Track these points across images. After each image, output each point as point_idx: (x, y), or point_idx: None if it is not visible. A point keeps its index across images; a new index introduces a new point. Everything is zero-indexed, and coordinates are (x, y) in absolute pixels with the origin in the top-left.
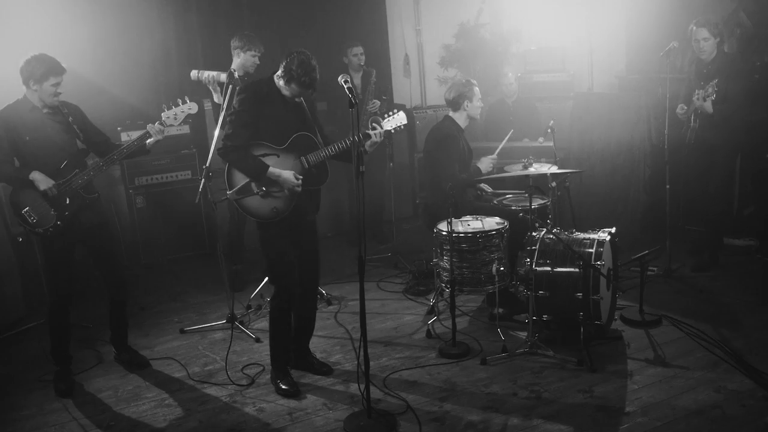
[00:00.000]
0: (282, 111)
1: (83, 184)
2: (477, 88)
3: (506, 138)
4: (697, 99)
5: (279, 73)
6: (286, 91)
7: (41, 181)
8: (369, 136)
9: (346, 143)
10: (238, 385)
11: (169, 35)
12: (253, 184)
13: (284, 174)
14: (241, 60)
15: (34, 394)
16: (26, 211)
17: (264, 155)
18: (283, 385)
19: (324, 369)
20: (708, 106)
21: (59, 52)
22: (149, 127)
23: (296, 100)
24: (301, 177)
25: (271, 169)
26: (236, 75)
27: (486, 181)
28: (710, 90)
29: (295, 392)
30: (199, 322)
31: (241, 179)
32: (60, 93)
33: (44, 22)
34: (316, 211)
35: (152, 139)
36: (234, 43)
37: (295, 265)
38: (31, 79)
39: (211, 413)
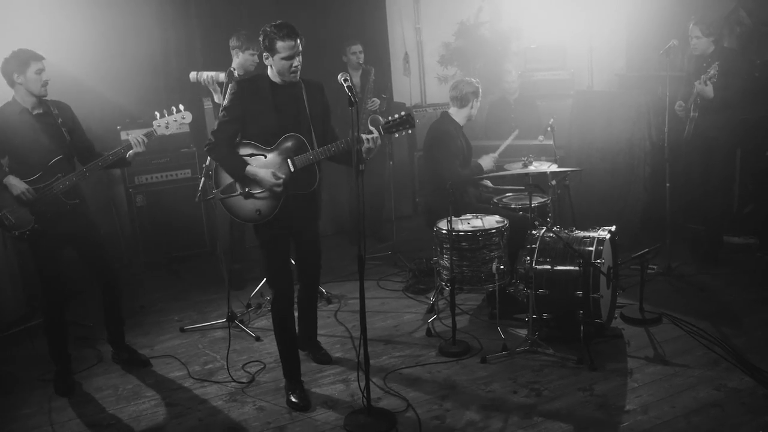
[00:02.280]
0: (273, 109)
1: (64, 189)
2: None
3: (511, 137)
4: (699, 83)
5: (264, 55)
6: (276, 77)
7: (15, 186)
8: (362, 141)
9: (338, 146)
10: (239, 382)
11: (168, 35)
12: (237, 184)
13: (260, 173)
14: (240, 60)
15: (34, 393)
16: (3, 214)
17: (251, 155)
18: (294, 398)
19: (324, 358)
20: (709, 90)
21: (58, 52)
22: (131, 137)
23: (289, 77)
24: (282, 176)
25: (248, 168)
26: (236, 74)
27: (486, 179)
28: (712, 72)
29: (304, 406)
30: (200, 320)
31: (227, 178)
32: (47, 81)
33: (41, 23)
34: (316, 218)
35: (132, 151)
36: (232, 42)
37: (290, 269)
38: (14, 72)
39: (211, 411)
